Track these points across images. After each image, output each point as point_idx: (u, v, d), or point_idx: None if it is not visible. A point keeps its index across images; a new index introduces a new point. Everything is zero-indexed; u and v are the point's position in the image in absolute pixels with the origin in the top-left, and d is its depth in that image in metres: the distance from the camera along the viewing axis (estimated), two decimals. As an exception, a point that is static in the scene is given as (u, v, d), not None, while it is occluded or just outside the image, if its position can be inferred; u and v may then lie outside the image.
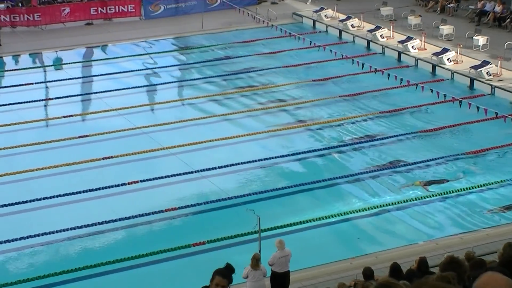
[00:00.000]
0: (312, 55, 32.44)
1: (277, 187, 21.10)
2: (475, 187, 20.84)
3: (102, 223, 19.06)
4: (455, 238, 18.17)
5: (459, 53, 30.65)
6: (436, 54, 30.84)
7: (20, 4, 37.89)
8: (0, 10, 36.15)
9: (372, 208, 19.83)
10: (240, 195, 20.43)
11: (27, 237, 18.35)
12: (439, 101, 26.29)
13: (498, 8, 35.69)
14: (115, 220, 19.24)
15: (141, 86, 29.94)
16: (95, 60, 34.00)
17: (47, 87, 30.46)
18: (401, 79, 27.55)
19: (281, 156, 23.09)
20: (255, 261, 14.94)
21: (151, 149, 23.33)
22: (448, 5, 38.29)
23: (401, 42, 32.65)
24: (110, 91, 28.82)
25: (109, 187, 20.97)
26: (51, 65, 33.45)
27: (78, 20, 38.04)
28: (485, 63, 29.21)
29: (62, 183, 21.46)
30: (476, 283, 4.92)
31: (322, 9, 38.24)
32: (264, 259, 15.34)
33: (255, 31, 36.86)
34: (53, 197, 20.37)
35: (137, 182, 21.25)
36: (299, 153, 23.32)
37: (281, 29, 34.37)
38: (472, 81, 28.82)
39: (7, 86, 30.37)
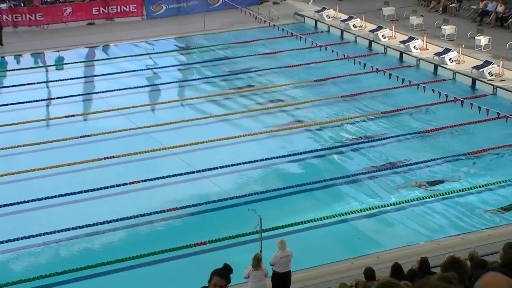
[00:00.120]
0: (314, 55, 32.43)
1: (278, 187, 21.09)
2: (476, 187, 20.80)
3: (103, 223, 19.07)
4: (456, 238, 18.15)
5: (461, 53, 30.63)
6: (438, 54, 30.81)
7: (22, 4, 37.93)
8: (2, 10, 36.17)
9: (373, 208, 19.81)
10: (241, 195, 20.41)
11: (29, 237, 18.35)
12: (441, 101, 26.26)
13: (500, 8, 35.66)
14: (117, 220, 19.24)
15: (142, 86, 29.95)
16: (96, 60, 34.03)
17: (48, 87, 30.48)
18: (403, 79, 27.52)
19: (282, 156, 23.08)
20: (257, 261, 14.93)
21: (153, 149, 23.32)
22: (450, 5, 38.27)
23: (403, 42, 32.64)
24: (112, 91, 28.82)
25: (110, 187, 20.96)
26: (53, 65, 33.49)
27: (80, 20, 38.08)
28: (487, 63, 29.19)
29: (64, 183, 21.47)
30: (477, 283, 4.91)
31: (324, 9, 38.24)
32: (266, 259, 15.33)
33: (256, 31, 36.87)
34: (55, 197, 20.38)
35: (138, 182, 21.25)
36: (301, 154, 23.31)
37: (282, 29, 34.37)
38: (474, 81, 28.80)
39: (9, 86, 30.39)
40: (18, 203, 20.07)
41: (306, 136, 24.91)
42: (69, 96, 28.41)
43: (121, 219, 19.29)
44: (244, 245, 17.82)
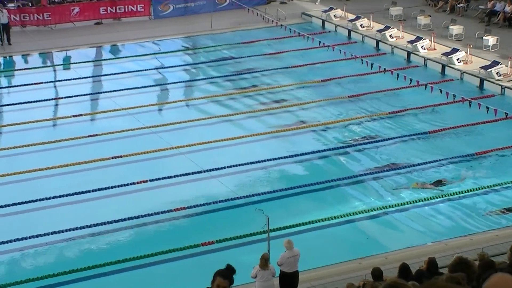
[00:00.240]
0: (321, 55, 32.41)
1: (286, 187, 21.08)
2: (481, 188, 20.76)
3: (110, 222, 19.10)
4: (464, 239, 18.11)
5: (469, 53, 30.56)
6: (446, 54, 30.76)
7: (30, 4, 38.02)
8: (10, 10, 36.26)
9: (381, 209, 19.79)
10: (249, 195, 20.43)
11: (36, 236, 18.39)
12: (448, 101, 26.21)
13: (508, 8, 35.58)
14: (124, 220, 19.26)
15: (150, 86, 29.98)
16: (104, 60, 34.09)
17: (56, 86, 30.53)
18: (410, 79, 27.47)
19: (290, 157, 23.07)
20: (264, 261, 14.93)
21: (160, 148, 23.35)
22: (458, 5, 38.19)
23: (411, 42, 32.59)
24: (119, 90, 28.87)
25: (117, 186, 21.00)
26: (61, 65, 33.57)
27: (87, 19, 38.13)
28: (495, 63, 29.12)
29: (71, 182, 21.51)
30: (485, 284, 4.91)
31: (331, 9, 38.22)
32: (273, 259, 15.34)
33: (264, 31, 36.87)
34: (62, 196, 20.43)
35: (145, 181, 21.28)
36: (308, 154, 23.29)
37: (290, 29, 34.35)
38: (481, 81, 28.73)
39: (17, 86, 30.47)
40: (25, 202, 20.11)
41: (313, 137, 24.89)
42: (77, 96, 28.47)
43: (129, 219, 19.31)
44: (251, 245, 17.82)
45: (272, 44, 34.98)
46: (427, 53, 31.81)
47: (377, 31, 34.59)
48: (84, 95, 28.86)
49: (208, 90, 29.58)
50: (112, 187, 20.93)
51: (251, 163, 22.33)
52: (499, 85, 28.05)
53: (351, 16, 36.99)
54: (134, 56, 33.52)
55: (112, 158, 22.76)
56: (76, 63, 32.89)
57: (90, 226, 18.92)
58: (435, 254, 15.12)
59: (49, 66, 33.54)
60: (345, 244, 18.59)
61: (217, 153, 23.44)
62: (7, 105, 28.14)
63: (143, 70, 31.53)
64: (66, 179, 21.86)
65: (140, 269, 17.35)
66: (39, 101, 27.87)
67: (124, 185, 21.02)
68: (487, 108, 24.94)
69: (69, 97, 28.35)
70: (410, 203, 20.09)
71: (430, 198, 20.28)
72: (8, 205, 19.99)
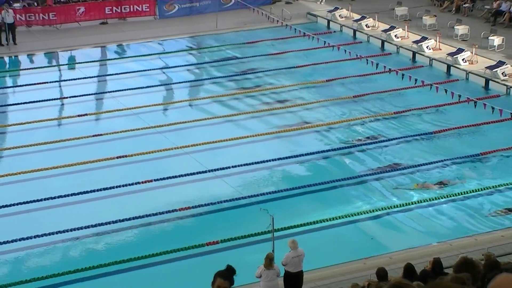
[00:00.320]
0: (326, 55, 32.37)
1: (291, 187, 21.08)
2: (489, 188, 20.73)
3: (115, 222, 19.12)
4: (469, 239, 18.08)
5: (474, 53, 30.51)
6: (451, 54, 30.71)
7: (35, 4, 38.09)
8: (15, 9, 36.31)
9: (386, 209, 19.76)
10: (253, 195, 20.43)
11: (41, 235, 18.42)
12: (453, 101, 26.17)
13: (513, 8, 35.51)
14: (129, 219, 19.28)
15: (155, 86, 30.00)
16: (109, 60, 34.14)
17: (61, 86, 30.58)
18: (416, 80, 27.43)
19: (295, 156, 23.05)
20: (269, 261, 14.93)
21: (165, 148, 23.37)
22: (464, 5, 38.13)
23: (416, 42, 32.55)
24: (124, 90, 28.89)
25: (122, 186, 21.01)
26: (66, 64, 33.60)
27: (93, 19, 38.19)
28: (500, 63, 29.07)
29: (76, 181, 21.54)
30: (490, 284, 4.89)
31: (336, 9, 38.20)
32: (278, 259, 15.33)
33: (269, 31, 36.87)
34: (67, 195, 20.46)
35: (150, 181, 21.30)
36: (314, 154, 23.28)
37: (295, 29, 34.34)
38: (487, 81, 28.68)
39: (22, 85, 30.54)
40: (30, 201, 20.15)
41: (317, 137, 24.87)
42: (82, 96, 28.50)
43: (133, 218, 19.32)
44: (256, 244, 17.83)
45: (277, 44, 34.97)
46: (432, 53, 31.76)
47: (382, 31, 34.56)
48: (89, 94, 28.89)
49: (213, 90, 29.58)
50: (116, 187, 20.95)
51: (255, 163, 22.33)
52: (504, 85, 27.99)
53: (356, 16, 36.97)
54: (139, 56, 33.54)
55: (117, 157, 22.78)
56: (81, 62, 32.93)
57: (95, 226, 18.94)
58: (440, 254, 15.10)
59: (54, 66, 33.60)
60: (349, 244, 18.57)
61: (221, 153, 23.44)
62: (13, 104, 28.21)
63: (148, 70, 31.54)
64: (71, 178, 21.89)
65: (145, 269, 17.36)
66: (44, 100, 27.91)
67: (129, 184, 21.04)
68: (493, 108, 24.88)
69: (74, 96, 28.39)
70: (414, 203, 20.07)
71: (435, 198, 20.23)
72: (13, 205, 20.01)
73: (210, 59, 33.48)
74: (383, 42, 34.02)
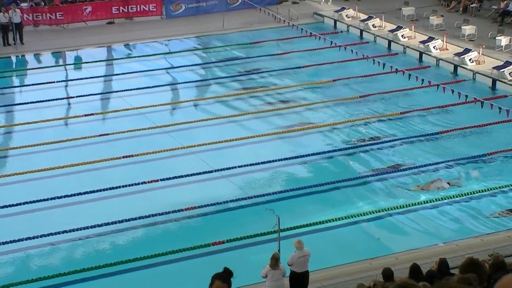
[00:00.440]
0: (333, 55, 32.34)
1: (296, 186, 21.06)
2: (495, 189, 20.67)
3: (121, 221, 19.15)
4: (475, 239, 18.03)
5: (481, 54, 30.44)
6: (458, 54, 30.65)
7: (43, 3, 38.18)
8: (23, 9, 36.42)
9: (392, 209, 19.73)
10: (259, 195, 20.42)
11: (48, 235, 18.47)
12: (460, 102, 26.09)
13: (521, 9, 35.41)
14: (135, 219, 19.29)
15: (162, 85, 30.03)
16: (116, 59, 34.18)
17: (68, 85, 30.65)
18: (422, 80, 27.37)
19: (301, 157, 23.03)
20: (275, 261, 14.92)
21: (171, 148, 23.38)
22: (471, 5, 38.05)
23: (423, 42, 32.50)
24: (131, 90, 28.92)
25: (129, 185, 21.02)
26: (73, 64, 33.65)
27: (99, 19, 38.27)
28: (507, 63, 28.99)
29: (82, 181, 21.57)
30: (497, 284, 4.87)
31: (343, 9, 38.18)
32: (283, 259, 15.32)
33: (275, 30, 36.85)
34: (73, 195, 20.49)
35: (157, 181, 21.31)
36: (320, 153, 23.27)
37: (301, 29, 34.31)
38: (494, 81, 28.61)
39: (29, 85, 30.63)
40: (37, 201, 20.20)
41: (324, 137, 24.85)
42: (88, 95, 28.55)
43: (139, 218, 19.34)
44: (262, 244, 17.82)
45: (283, 44, 34.95)
46: (439, 53, 31.70)
47: (389, 31, 34.51)
48: (95, 94, 28.94)
49: (220, 90, 29.59)
50: (123, 186, 20.97)
51: (261, 163, 22.32)
52: (511, 85, 27.90)
53: (363, 16, 36.93)
54: (145, 55, 33.58)
55: (123, 157, 22.81)
56: (88, 62, 32.98)
57: (101, 225, 18.96)
58: (446, 255, 15.06)
59: (61, 66, 33.67)
60: (355, 244, 18.54)
61: (227, 153, 23.44)
62: (19, 104, 28.26)
63: (154, 70, 31.58)
64: (77, 178, 21.91)
65: (150, 268, 17.37)
66: (51, 100, 27.96)
67: (135, 184, 21.05)
68: (500, 108, 24.81)
69: (81, 96, 28.44)
70: (420, 203, 20.01)
71: (441, 198, 20.18)
72: (20, 204, 20.05)
73: (217, 59, 33.49)
74: (389, 42, 33.97)
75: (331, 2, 41.10)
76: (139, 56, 33.56)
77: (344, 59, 31.60)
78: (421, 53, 32.13)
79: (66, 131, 25.88)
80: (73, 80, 31.12)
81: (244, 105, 27.67)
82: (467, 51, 30.68)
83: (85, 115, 26.61)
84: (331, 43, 32.24)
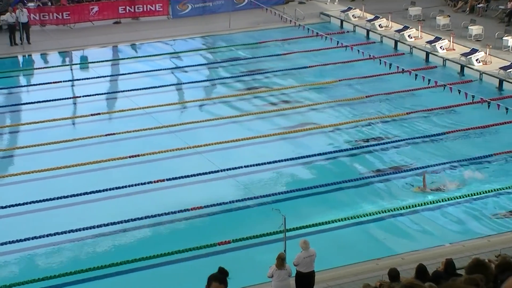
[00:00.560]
0: (339, 55, 32.31)
1: (302, 186, 21.06)
2: (500, 189, 20.62)
3: (128, 221, 19.18)
4: (482, 240, 18.01)
5: (488, 54, 30.37)
6: (465, 54, 30.59)
7: (49, 3, 38.26)
8: (30, 9, 36.49)
9: (398, 209, 19.71)
10: (265, 195, 20.42)
11: (54, 234, 18.51)
12: (467, 102, 26.03)
13: (528, 9, 35.32)
14: (141, 218, 19.31)
15: (168, 85, 30.06)
16: (122, 59, 34.22)
17: (74, 85, 30.69)
18: (429, 80, 27.32)
19: (306, 156, 23.03)
20: (281, 261, 14.92)
21: (178, 147, 23.40)
22: (478, 5, 37.96)
23: (429, 42, 32.44)
24: (137, 89, 28.95)
25: (135, 185, 21.04)
26: (79, 64, 33.69)
27: (106, 18, 38.33)
28: (514, 64, 28.95)
29: (89, 181, 21.59)
30: (504, 285, 4.86)
31: (349, 9, 38.13)
32: (289, 259, 15.31)
33: (282, 30, 36.84)
34: (80, 194, 20.53)
35: (163, 180, 21.33)
36: (326, 153, 23.26)
37: (308, 29, 34.28)
38: (501, 82, 28.54)
39: (36, 84, 30.71)
40: (43, 200, 20.24)
41: (330, 137, 24.82)
42: (95, 95, 28.60)
43: (146, 218, 19.36)
44: (268, 244, 17.82)
45: (290, 44, 34.94)
46: (446, 54, 31.64)
47: (396, 31, 34.46)
48: (102, 94, 28.98)
49: (226, 90, 29.59)
50: (129, 186, 20.99)
51: (268, 163, 22.32)
52: (518, 86, 27.89)
53: (370, 16, 36.88)
54: (152, 55, 33.60)
55: (130, 157, 22.84)
56: (94, 62, 33.02)
57: (107, 225, 18.99)
58: (453, 255, 15.02)
59: (68, 65, 33.72)
60: (361, 244, 18.52)
61: (234, 153, 23.45)
62: (26, 103, 28.31)
63: (161, 70, 31.60)
64: (84, 177, 21.95)
65: (156, 268, 17.39)
66: (57, 100, 27.99)
67: (141, 184, 21.08)
68: (506, 109, 24.74)
69: (87, 96, 28.50)
70: (425, 204, 19.98)
71: (446, 199, 20.13)
72: (26, 203, 20.09)
73: (223, 59, 33.49)
74: (396, 42, 33.92)
75: (337, 2, 41.06)
76: (146, 56, 33.58)
77: (351, 59, 31.56)
78: (427, 53, 32.07)
79: (72, 131, 25.93)
80: (79, 79, 31.17)
81: (250, 106, 27.65)
82: (474, 51, 30.61)
83: (92, 115, 26.65)
84: (338, 43, 32.20)
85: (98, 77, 30.82)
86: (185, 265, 17.50)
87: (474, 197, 20.29)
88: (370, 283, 13.71)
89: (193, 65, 32.57)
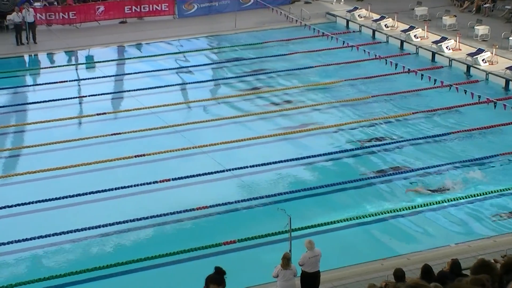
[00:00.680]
0: (345, 55, 32.29)
1: (308, 186, 21.04)
2: (505, 190, 20.57)
3: (133, 220, 19.18)
4: (488, 240, 17.95)
5: (495, 54, 30.31)
6: (471, 54, 30.53)
7: (56, 3, 38.34)
8: (36, 9, 36.58)
9: (404, 209, 19.67)
10: (271, 194, 20.40)
11: (60, 234, 18.53)
12: (473, 102, 25.98)
13: (534, 9, 35.24)
14: (146, 218, 19.30)
15: (173, 85, 30.08)
16: (128, 59, 34.25)
17: (80, 85, 30.73)
18: (435, 80, 27.28)
19: (312, 156, 23.00)
20: (286, 261, 14.89)
21: (183, 147, 23.39)
22: (484, 5, 37.89)
23: (435, 42, 32.38)
24: (143, 89, 28.98)
25: (140, 185, 21.04)
26: (85, 63, 33.73)
27: (112, 18, 38.42)
28: (521, 64, 28.88)
29: (94, 180, 21.60)
30: (510, 285, 4.84)
31: (355, 8, 38.11)
32: (295, 259, 15.29)
33: (288, 30, 36.84)
34: (85, 194, 20.55)
35: (168, 180, 21.34)
36: (331, 153, 23.24)
37: (314, 29, 34.26)
38: (507, 82, 28.47)
39: (42, 84, 30.77)
40: (49, 200, 20.26)
41: (337, 136, 24.80)
42: (101, 94, 28.64)
43: (151, 217, 19.35)
44: (273, 244, 17.79)
45: (295, 43, 34.91)
46: (452, 54, 31.58)
47: (402, 31, 34.42)
48: (107, 93, 29.02)
49: (232, 90, 29.59)
50: (134, 186, 20.99)
51: (273, 163, 22.31)
52: (525, 86, 27.83)
53: (376, 16, 36.85)
54: (158, 55, 33.63)
55: (135, 156, 22.86)
56: (100, 62, 33.08)
57: (112, 224, 18.99)
58: (458, 256, 14.97)
59: (74, 65, 33.79)
60: (367, 244, 18.49)
61: (240, 153, 23.44)
62: (32, 103, 28.36)
63: (167, 69, 31.64)
64: (89, 177, 21.96)
65: (161, 268, 17.38)
66: (63, 99, 28.04)
67: (147, 183, 21.08)
68: (513, 109, 24.71)
69: (93, 95, 28.54)
70: (439, 203, 19.94)
71: (452, 199, 20.08)
72: (31, 203, 20.11)
73: (229, 58, 33.49)
74: (402, 42, 33.87)
75: (343, 2, 41.05)
76: (151, 56, 33.60)
77: (357, 59, 31.55)
78: (433, 53, 32.02)
79: (78, 130, 25.98)
80: (85, 79, 31.22)
81: (256, 106, 27.63)
82: (480, 51, 30.55)
83: (97, 114, 26.69)
84: (344, 43, 32.18)
85: (103, 76, 30.85)
86: (190, 264, 17.48)
87: (478, 197, 20.23)
88: (375, 283, 13.68)
89: (199, 65, 32.58)
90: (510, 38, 32.00)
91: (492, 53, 30.30)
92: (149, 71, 31.41)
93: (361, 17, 37.47)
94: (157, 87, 29.28)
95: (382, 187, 21.20)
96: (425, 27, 34.14)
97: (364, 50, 31.07)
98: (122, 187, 20.86)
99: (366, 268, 16.70)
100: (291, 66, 31.69)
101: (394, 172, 21.89)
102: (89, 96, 28.64)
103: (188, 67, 32.55)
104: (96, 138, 24.39)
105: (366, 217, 19.31)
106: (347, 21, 37.57)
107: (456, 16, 35.91)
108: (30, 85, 31.47)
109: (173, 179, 21.36)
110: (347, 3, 40.46)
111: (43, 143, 24.03)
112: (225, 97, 28.77)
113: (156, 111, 26.51)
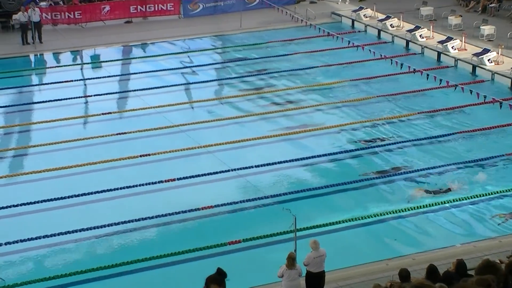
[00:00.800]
0: (351, 54, 32.27)
1: (313, 186, 21.03)
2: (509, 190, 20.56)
3: (138, 220, 19.19)
4: (493, 241, 17.93)
5: (500, 54, 30.25)
6: (477, 54, 30.47)
7: (61, 2, 38.40)
8: (42, 8, 36.63)
9: (409, 209, 19.64)
10: (276, 194, 20.40)
11: (65, 233, 18.56)
12: (479, 102, 25.93)
13: (540, 9, 35.16)
14: (151, 218, 19.31)
15: (179, 84, 30.10)
16: (134, 58, 34.28)
17: (86, 84, 30.77)
18: (441, 80, 27.24)
19: (318, 156, 22.99)
20: (291, 261, 14.89)
21: (188, 147, 23.41)
22: (490, 5, 37.81)
23: (441, 42, 32.33)
24: (149, 89, 29.01)
25: (145, 184, 21.06)
26: (91, 63, 33.77)
27: (117, 18, 38.46)
28: (527, 64, 28.81)
29: (100, 180, 21.63)
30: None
31: (361, 8, 38.07)
32: (300, 259, 15.29)
33: (293, 30, 36.82)
34: (91, 193, 20.57)
35: (173, 180, 21.35)
36: (336, 153, 23.22)
37: (319, 29, 34.25)
38: (513, 82, 28.45)
39: (48, 83, 30.82)
40: (55, 199, 20.29)
41: (342, 135, 24.78)
42: (106, 94, 28.67)
43: (156, 217, 19.36)
44: (278, 244, 17.79)
45: (301, 43, 34.90)
46: (458, 54, 31.53)
47: (407, 31, 34.37)
48: (113, 93, 29.05)
49: (237, 88, 29.60)
50: (140, 185, 21.00)
51: (279, 163, 22.30)
52: (530, 86, 27.77)
53: (381, 16, 36.81)
54: (163, 54, 33.66)
55: (140, 156, 22.88)
56: (105, 61, 33.13)
57: (117, 224, 19.01)
58: (463, 256, 14.93)
59: (79, 64, 33.82)
60: (372, 244, 18.47)
61: (245, 152, 23.44)
62: (38, 102, 28.40)
63: (172, 69, 31.66)
64: (95, 176, 21.98)
65: (166, 267, 17.40)
66: (68, 99, 28.08)
67: (152, 183, 21.10)
68: (519, 109, 24.66)
69: (99, 95, 28.58)
70: (444, 203, 19.91)
71: (457, 199, 20.05)
72: (37, 202, 20.14)
73: (234, 58, 33.49)
74: (407, 42, 33.83)
75: (348, 1, 41.02)
76: (157, 55, 33.62)
77: (362, 59, 31.53)
78: (439, 53, 31.97)
79: (83, 130, 26.02)
80: (90, 79, 31.24)
81: (264, 105, 27.60)
82: (485, 51, 30.49)
83: (102, 114, 26.72)
84: (349, 43, 32.17)
85: (109, 76, 30.89)
86: (195, 264, 17.48)
87: (483, 198, 20.19)
88: (380, 283, 13.65)
89: (204, 65, 32.59)
90: (516, 38, 31.97)
91: (498, 53, 30.24)
92: (154, 71, 31.43)
93: (367, 17, 37.44)
94: (163, 86, 29.32)
95: (387, 188, 21.17)
96: (431, 27, 34.10)
97: (370, 50, 31.05)
98: (127, 187, 20.88)
99: (371, 268, 16.69)
100: (295, 66, 31.65)
101: (398, 172, 21.85)
102: (94, 95, 28.70)
103: (193, 66, 32.54)
104: (101, 138, 24.42)
105: (371, 217, 19.29)
106: (353, 21, 37.55)
107: (461, 16, 35.86)
108: (36, 85, 31.54)
109: (178, 179, 21.37)
110: (352, 3, 40.43)
111: (48, 143, 24.07)
112: (231, 97, 28.76)
113: (161, 111, 26.53)
